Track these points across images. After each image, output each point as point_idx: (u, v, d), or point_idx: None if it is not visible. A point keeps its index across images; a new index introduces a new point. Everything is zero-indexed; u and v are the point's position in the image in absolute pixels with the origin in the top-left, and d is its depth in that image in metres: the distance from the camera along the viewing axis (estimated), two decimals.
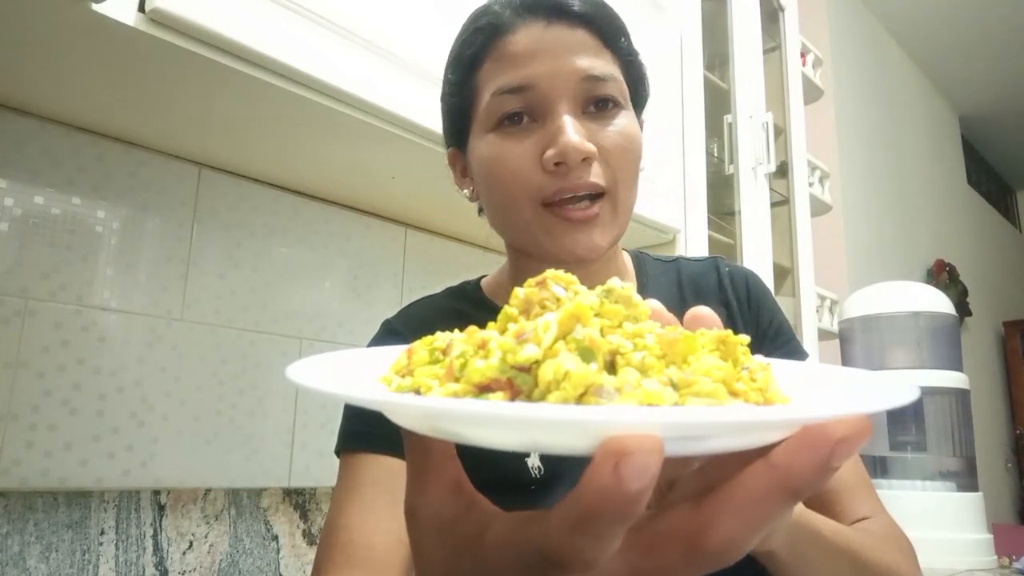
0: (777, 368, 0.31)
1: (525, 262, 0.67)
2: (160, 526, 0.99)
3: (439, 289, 0.76)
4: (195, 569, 1.01)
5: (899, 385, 0.27)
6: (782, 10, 2.10)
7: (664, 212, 1.38)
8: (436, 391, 0.27)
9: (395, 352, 0.32)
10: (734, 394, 0.26)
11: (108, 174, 1.00)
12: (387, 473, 0.61)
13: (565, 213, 0.58)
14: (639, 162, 0.63)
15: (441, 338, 0.30)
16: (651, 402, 0.24)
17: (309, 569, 1.05)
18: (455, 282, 0.76)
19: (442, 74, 0.69)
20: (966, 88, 4.15)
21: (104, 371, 0.96)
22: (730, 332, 0.30)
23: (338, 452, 0.65)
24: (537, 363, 0.25)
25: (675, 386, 0.25)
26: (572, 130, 0.57)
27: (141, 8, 0.71)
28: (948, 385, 2.00)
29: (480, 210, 0.70)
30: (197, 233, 1.08)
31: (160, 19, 0.72)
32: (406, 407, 0.25)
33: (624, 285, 0.30)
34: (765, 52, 1.95)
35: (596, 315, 0.28)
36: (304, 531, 1.15)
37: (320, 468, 1.18)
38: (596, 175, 0.58)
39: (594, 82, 0.59)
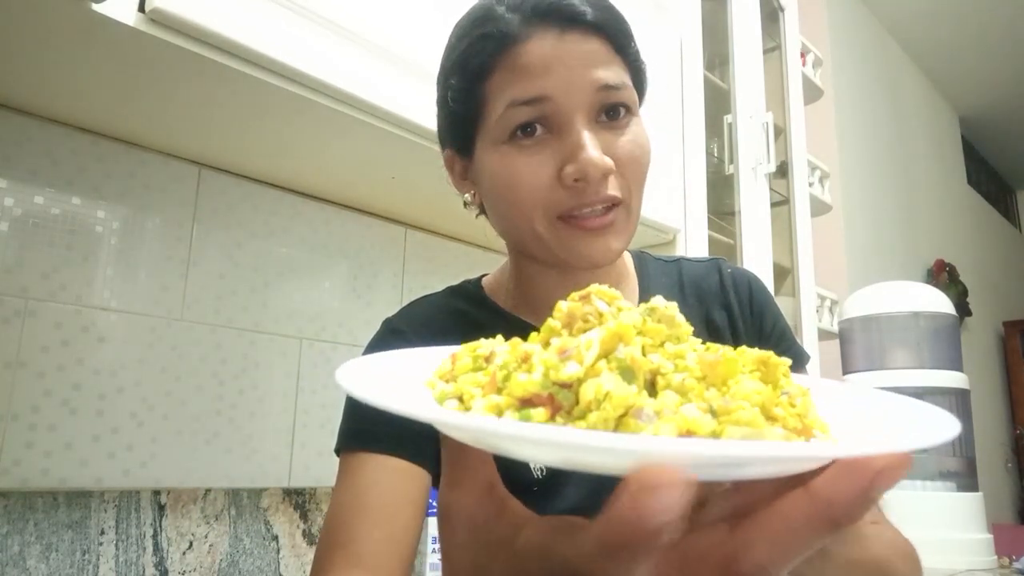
0: (816, 391, 0.31)
1: (527, 263, 0.67)
2: (160, 526, 0.99)
3: (439, 289, 0.76)
4: (195, 569, 1.01)
5: (940, 418, 0.28)
6: (782, 10, 2.10)
7: (664, 212, 1.38)
8: (479, 401, 0.27)
9: (438, 353, 0.32)
10: (772, 419, 0.26)
11: (108, 174, 1.00)
12: (387, 473, 0.61)
13: (581, 223, 0.58)
14: (649, 168, 0.62)
15: (485, 345, 0.30)
16: (689, 429, 0.24)
17: (309, 569, 1.05)
18: (455, 282, 0.76)
19: (441, 72, 0.68)
20: (966, 88, 4.15)
21: (104, 371, 0.96)
22: (771, 354, 0.30)
23: (338, 451, 0.65)
24: (579, 381, 0.26)
25: (714, 412, 0.25)
26: (592, 146, 0.56)
27: (141, 8, 0.71)
28: (948, 385, 2.00)
29: (478, 215, 0.70)
30: (197, 233, 1.08)
31: (160, 19, 0.72)
32: (458, 427, 0.25)
33: (668, 304, 0.31)
34: (765, 52, 1.95)
35: (639, 333, 0.29)
36: (304, 531, 1.15)
37: (320, 468, 1.18)
38: (613, 188, 0.58)
39: (608, 91, 0.58)
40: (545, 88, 0.57)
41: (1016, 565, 1.88)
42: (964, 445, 2.04)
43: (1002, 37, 3.64)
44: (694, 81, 1.56)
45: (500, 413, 0.26)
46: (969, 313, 3.72)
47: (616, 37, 0.60)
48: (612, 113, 0.59)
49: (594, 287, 0.31)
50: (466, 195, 0.67)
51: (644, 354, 0.27)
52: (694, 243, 1.46)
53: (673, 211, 1.42)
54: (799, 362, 0.68)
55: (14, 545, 0.86)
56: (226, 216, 1.12)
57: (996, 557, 1.85)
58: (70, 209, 0.96)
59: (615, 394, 0.24)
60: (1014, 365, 4.44)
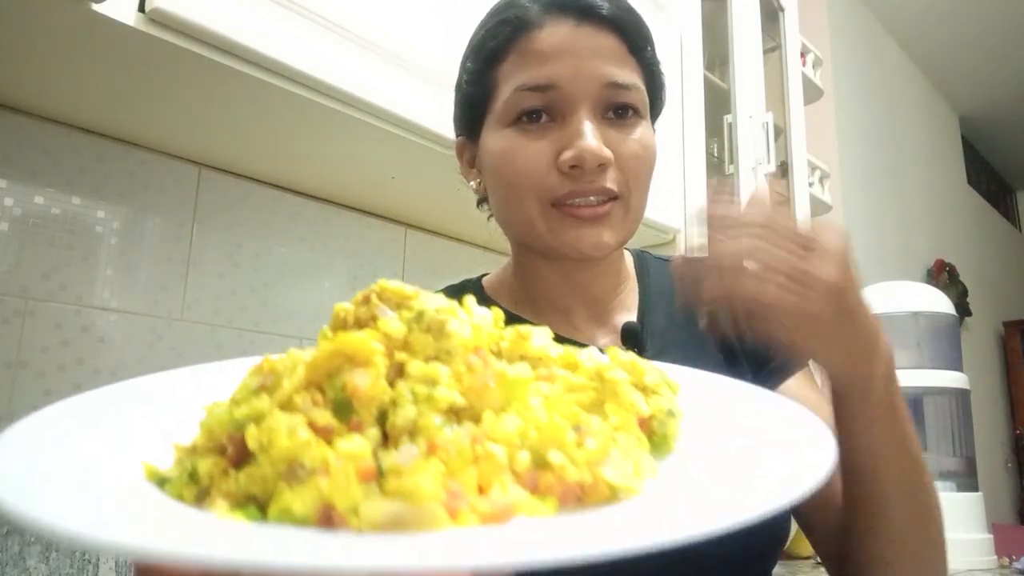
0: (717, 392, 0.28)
1: (529, 258, 0.67)
2: None
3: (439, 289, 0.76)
4: None
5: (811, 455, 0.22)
6: (782, 10, 2.10)
7: (664, 212, 1.38)
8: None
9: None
10: (544, 467, 0.21)
11: (108, 174, 1.00)
12: None
13: (573, 211, 0.58)
14: (653, 171, 0.62)
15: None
16: (329, 499, 0.19)
17: None
18: (457, 280, 0.76)
19: (445, 71, 0.68)
20: (966, 88, 4.15)
21: (104, 371, 0.96)
22: (609, 368, 0.25)
23: None
24: (251, 420, 0.21)
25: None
26: (591, 135, 0.56)
27: (141, 8, 0.71)
28: (948, 385, 2.00)
29: (479, 203, 0.69)
30: (197, 233, 1.08)
31: (160, 19, 0.72)
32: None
33: (441, 308, 0.24)
34: (765, 52, 1.95)
35: (403, 348, 0.23)
36: None
37: None
38: (611, 180, 0.58)
39: (616, 89, 0.58)
40: (553, 76, 0.57)
41: (1016, 565, 1.88)
42: (964, 445, 2.04)
43: (1002, 37, 3.64)
44: (694, 81, 1.56)
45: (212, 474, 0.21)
46: (969, 313, 3.72)
47: (632, 37, 0.60)
48: (620, 112, 0.59)
49: (380, 283, 0.25)
50: (472, 182, 0.67)
51: (400, 375, 0.22)
52: (694, 243, 1.46)
53: (673, 211, 1.42)
54: (797, 365, 0.68)
55: (14, 545, 0.86)
56: (226, 216, 1.12)
57: (996, 557, 1.85)
58: (70, 209, 0.96)
59: (277, 444, 0.20)
60: (1014, 365, 4.44)
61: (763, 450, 0.24)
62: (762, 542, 0.60)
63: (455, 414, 0.22)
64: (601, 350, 0.30)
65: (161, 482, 0.23)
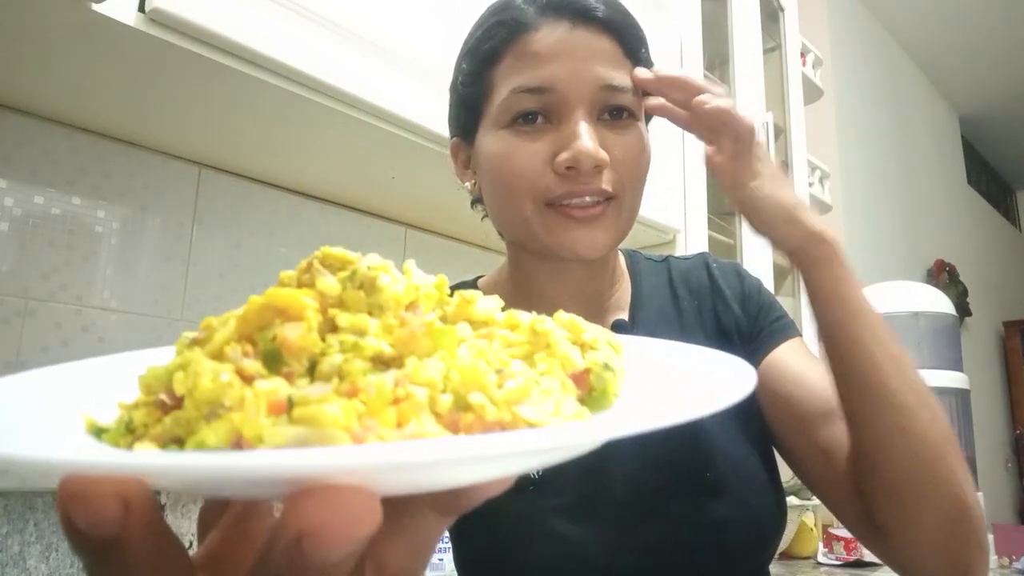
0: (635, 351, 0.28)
1: (524, 259, 0.67)
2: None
3: None
4: None
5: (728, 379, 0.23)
6: (782, 10, 2.10)
7: (664, 212, 1.38)
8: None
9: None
10: (466, 408, 0.21)
11: (108, 174, 1.00)
12: None
13: (568, 211, 0.58)
14: (647, 172, 0.63)
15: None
16: (239, 431, 0.19)
17: None
18: (455, 282, 0.76)
19: (445, 71, 0.68)
20: (966, 88, 4.15)
21: None
22: (544, 320, 0.26)
23: None
24: (180, 369, 0.21)
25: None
26: (587, 136, 0.56)
27: (141, 8, 0.71)
28: (948, 385, 2.00)
29: (473, 203, 0.70)
30: (197, 233, 1.08)
31: (160, 19, 0.72)
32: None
33: (373, 264, 0.24)
34: (765, 52, 1.95)
35: (337, 304, 0.23)
36: None
37: None
38: (606, 181, 0.58)
39: (612, 92, 0.59)
40: (549, 78, 0.57)
41: (1016, 565, 1.88)
42: (964, 445, 2.04)
43: (1002, 37, 3.64)
44: None
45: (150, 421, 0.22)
46: (969, 313, 3.72)
47: (627, 41, 0.61)
48: (615, 114, 0.60)
49: (323, 250, 0.25)
50: (467, 183, 0.67)
51: (334, 331, 0.22)
52: (694, 243, 1.46)
53: (673, 211, 1.42)
54: (785, 333, 0.68)
55: (14, 545, 0.86)
56: (226, 216, 1.12)
57: (996, 557, 1.85)
58: (70, 209, 0.96)
59: (201, 386, 0.20)
60: (1014, 365, 4.45)
61: (697, 393, 0.25)
62: (757, 533, 0.61)
63: (384, 364, 0.22)
64: None
65: (99, 433, 0.23)
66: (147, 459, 0.18)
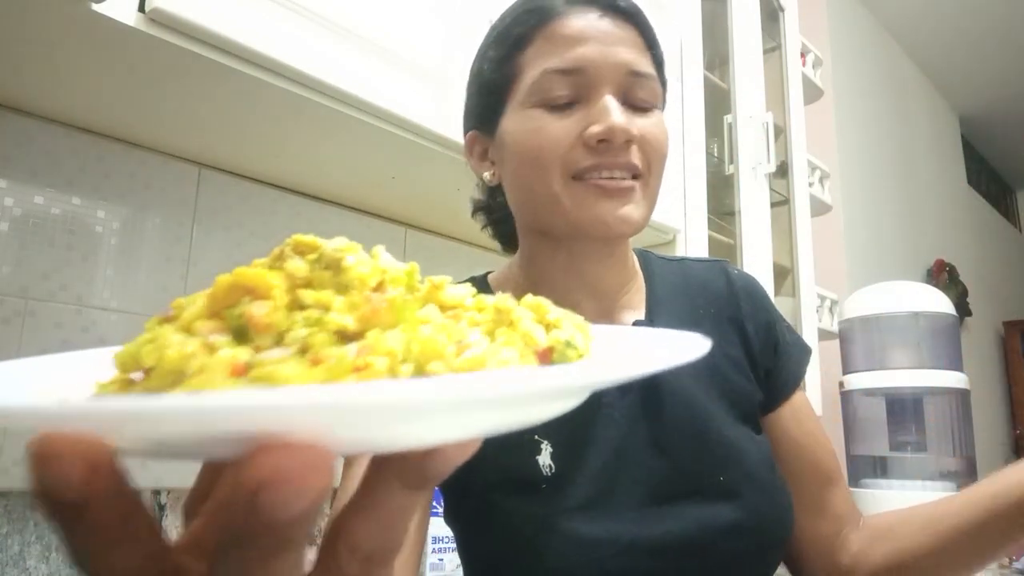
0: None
1: (539, 251, 0.67)
2: (160, 526, 0.99)
3: None
4: None
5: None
6: (782, 10, 2.10)
7: (664, 212, 1.38)
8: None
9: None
10: (423, 373, 0.22)
11: (108, 174, 1.00)
12: None
13: (598, 182, 0.59)
14: (666, 159, 0.64)
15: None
16: (203, 387, 0.20)
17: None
18: (460, 280, 0.76)
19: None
20: (966, 88, 4.15)
21: None
22: (507, 297, 0.27)
23: None
24: (150, 343, 0.22)
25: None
26: (618, 112, 0.58)
27: (141, 8, 0.71)
28: (948, 385, 2.00)
29: (473, 212, 0.70)
30: (197, 233, 1.08)
31: (160, 19, 0.72)
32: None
33: (339, 246, 0.25)
34: (765, 52, 1.95)
35: (305, 284, 0.24)
36: None
37: None
38: (635, 156, 0.60)
39: (637, 78, 0.61)
40: (580, 59, 0.59)
41: (1016, 565, 1.88)
42: (964, 445, 2.04)
43: (1002, 37, 3.64)
44: (694, 81, 1.56)
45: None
46: (969, 313, 3.72)
47: (648, 33, 0.64)
48: (639, 101, 0.62)
49: (296, 236, 0.26)
50: (486, 174, 0.68)
51: (300, 308, 0.22)
52: (694, 243, 1.46)
53: (673, 211, 1.42)
54: (798, 379, 0.71)
55: (14, 545, 0.86)
56: (226, 216, 1.12)
57: None
58: (70, 209, 0.96)
59: (167, 356, 0.20)
60: (1014, 365, 4.45)
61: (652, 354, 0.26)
62: (768, 536, 0.61)
63: (347, 339, 0.22)
64: None
65: None
66: (107, 404, 0.18)
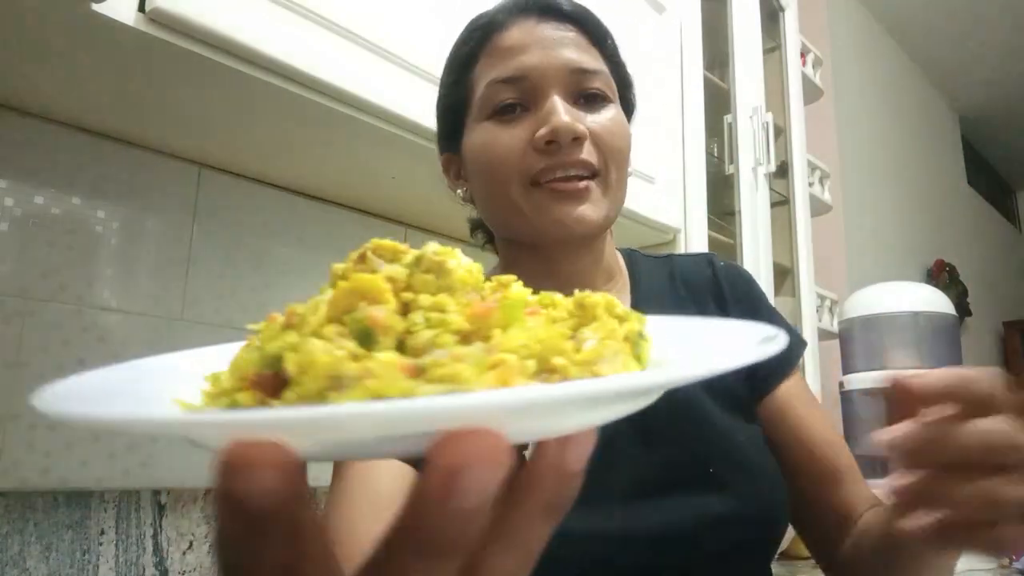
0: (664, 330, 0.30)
1: (516, 255, 0.68)
2: (160, 526, 0.99)
3: None
4: (195, 569, 1.01)
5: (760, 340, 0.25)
6: (782, 10, 2.10)
7: (664, 212, 1.38)
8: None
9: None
10: (551, 371, 0.23)
11: (108, 174, 1.00)
12: (383, 469, 0.61)
13: (554, 186, 0.60)
14: (628, 151, 0.64)
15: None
16: (380, 392, 0.20)
17: None
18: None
19: (441, 75, 0.70)
20: (966, 88, 4.15)
21: None
22: (589, 293, 0.28)
23: None
24: (292, 350, 0.22)
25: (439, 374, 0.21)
26: (563, 111, 0.59)
27: (141, 8, 0.71)
28: None
29: (472, 232, 0.71)
30: (197, 233, 1.08)
31: (160, 19, 0.72)
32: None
33: (439, 250, 0.26)
34: (765, 52, 1.95)
35: (406, 288, 0.24)
36: None
37: (319, 467, 1.17)
38: (588, 154, 0.60)
39: (583, 75, 0.62)
40: (521, 67, 0.60)
41: (1016, 565, 1.88)
42: None
43: (1002, 37, 3.64)
44: (694, 81, 1.56)
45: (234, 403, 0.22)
46: (969, 313, 3.72)
47: (591, 29, 0.64)
48: (589, 98, 0.62)
49: (374, 241, 0.27)
50: (459, 191, 0.70)
51: (410, 311, 0.23)
52: (694, 243, 1.46)
53: (673, 211, 1.41)
54: (795, 346, 0.70)
55: (14, 545, 0.86)
56: (226, 216, 1.12)
57: (996, 557, 1.84)
58: (70, 209, 0.96)
59: (318, 361, 0.21)
60: (1014, 365, 4.44)
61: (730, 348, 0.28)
62: (759, 528, 0.61)
63: (464, 338, 0.23)
64: None
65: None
66: (312, 412, 0.18)
